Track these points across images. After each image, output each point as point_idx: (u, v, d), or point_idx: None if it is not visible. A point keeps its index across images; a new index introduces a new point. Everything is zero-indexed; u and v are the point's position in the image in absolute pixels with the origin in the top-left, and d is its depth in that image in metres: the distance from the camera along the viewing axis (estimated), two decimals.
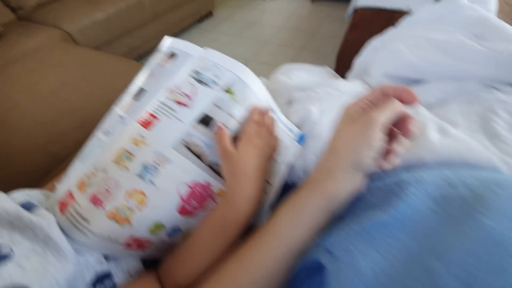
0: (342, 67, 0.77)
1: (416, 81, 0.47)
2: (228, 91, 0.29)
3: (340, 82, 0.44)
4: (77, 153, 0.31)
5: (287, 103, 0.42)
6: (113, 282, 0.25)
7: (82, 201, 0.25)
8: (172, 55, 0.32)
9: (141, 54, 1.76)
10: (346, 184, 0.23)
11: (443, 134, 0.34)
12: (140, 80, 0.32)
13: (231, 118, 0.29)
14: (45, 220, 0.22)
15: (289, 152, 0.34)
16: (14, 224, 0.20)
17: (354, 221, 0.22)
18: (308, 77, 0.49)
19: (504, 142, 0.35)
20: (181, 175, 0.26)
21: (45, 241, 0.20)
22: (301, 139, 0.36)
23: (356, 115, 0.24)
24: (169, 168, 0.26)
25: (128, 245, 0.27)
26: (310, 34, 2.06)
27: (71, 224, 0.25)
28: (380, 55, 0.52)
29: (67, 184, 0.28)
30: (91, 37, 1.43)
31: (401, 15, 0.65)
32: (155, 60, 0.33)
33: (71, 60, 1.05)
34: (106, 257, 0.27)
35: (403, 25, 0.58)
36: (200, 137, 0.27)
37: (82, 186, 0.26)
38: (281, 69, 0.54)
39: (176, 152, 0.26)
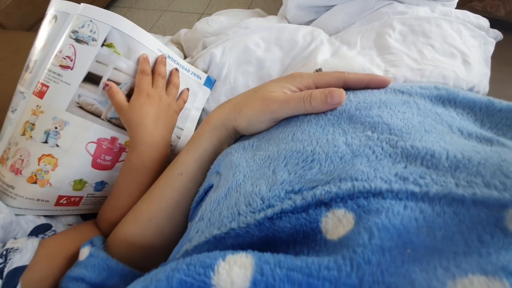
0: None
1: (328, 8, 0.49)
2: (107, 44, 0.30)
3: (252, 20, 0.45)
4: None
5: (202, 49, 0.44)
6: (54, 232, 0.30)
7: (5, 172, 0.30)
8: (54, 18, 0.32)
9: None
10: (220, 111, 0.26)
11: (333, 55, 0.37)
12: (34, 51, 0.33)
13: (117, 71, 0.31)
14: None
15: (197, 97, 0.37)
16: None
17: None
18: (228, 20, 0.50)
19: (392, 54, 0.39)
20: (83, 134, 0.30)
21: None
22: (208, 82, 0.38)
23: (284, 89, 0.23)
24: (69, 130, 0.29)
25: (59, 203, 0.31)
26: None
27: (2, 192, 0.29)
28: None
29: None
30: (18, 18, 1.29)
31: None
32: (42, 26, 0.33)
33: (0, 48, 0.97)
34: (46, 216, 0.31)
35: None
36: (90, 95, 0.30)
37: (2, 160, 0.30)
38: (201, 19, 0.54)
39: (71, 114, 0.29)
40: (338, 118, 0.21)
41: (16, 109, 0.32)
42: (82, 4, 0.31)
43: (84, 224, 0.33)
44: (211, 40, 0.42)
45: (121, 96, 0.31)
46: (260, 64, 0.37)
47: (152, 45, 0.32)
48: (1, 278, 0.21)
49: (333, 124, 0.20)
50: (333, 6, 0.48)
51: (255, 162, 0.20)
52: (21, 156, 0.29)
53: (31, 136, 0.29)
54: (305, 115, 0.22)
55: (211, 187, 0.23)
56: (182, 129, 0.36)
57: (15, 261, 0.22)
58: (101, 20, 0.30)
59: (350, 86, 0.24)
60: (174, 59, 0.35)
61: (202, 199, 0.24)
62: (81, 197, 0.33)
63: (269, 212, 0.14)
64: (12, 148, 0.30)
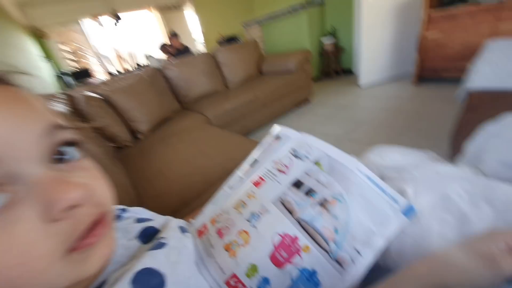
0: (456, 151, 0.71)
1: None
2: (316, 163, 0.38)
3: (441, 166, 0.43)
4: (209, 199, 0.45)
5: None
6: None
7: (212, 232, 0.37)
8: (277, 138, 0.46)
9: (250, 132, 2.26)
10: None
11: None
12: (255, 153, 0.47)
13: (317, 182, 0.36)
14: (190, 239, 0.34)
15: (389, 223, 0.33)
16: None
17: None
18: (403, 159, 0.51)
19: None
20: (275, 224, 0.34)
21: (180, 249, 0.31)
22: (408, 212, 0.34)
23: (492, 249, 0.24)
24: (268, 217, 0.34)
25: (228, 283, 0.32)
26: (411, 115, 1.93)
27: (204, 246, 0.36)
28: (496, 142, 0.48)
29: (203, 219, 0.41)
30: (220, 120, 1.99)
31: None
32: (266, 140, 0.48)
33: (206, 135, 1.48)
34: None
35: None
36: (293, 196, 0.36)
37: (213, 221, 0.39)
38: (373, 149, 0.58)
39: (274, 206, 0.35)
40: None
41: (233, 187, 0.43)
42: (302, 133, 0.44)
43: None
44: (393, 176, 0.43)
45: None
46: (462, 218, 0.32)
47: (351, 165, 0.37)
48: None
49: None
50: None
51: None
52: (228, 224, 0.37)
53: (240, 212, 0.37)
54: None
55: None
56: (360, 254, 0.31)
57: None
58: (317, 147, 0.40)
59: None
60: (371, 177, 0.36)
61: None
62: (245, 286, 0.33)
63: None
64: (223, 215, 0.38)
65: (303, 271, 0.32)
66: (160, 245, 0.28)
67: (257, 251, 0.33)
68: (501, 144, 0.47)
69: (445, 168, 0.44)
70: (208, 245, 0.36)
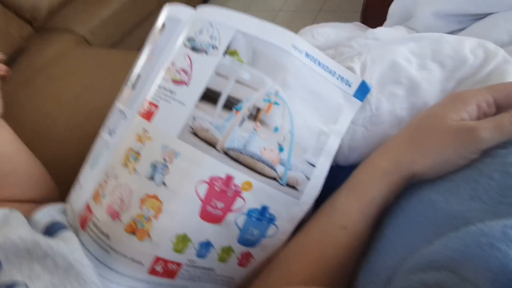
0: (371, 23, 0.66)
1: (478, 17, 0.37)
2: (230, 52, 0.23)
3: (381, 29, 0.36)
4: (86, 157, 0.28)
5: None
6: None
7: (99, 214, 0.23)
8: (163, 26, 0.27)
9: None
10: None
11: None
12: (137, 65, 0.28)
13: (239, 85, 0.23)
14: (68, 244, 0.20)
15: (341, 115, 0.26)
16: (32, 253, 0.19)
17: None
18: (336, 32, 0.42)
19: None
20: (193, 169, 0.22)
21: (66, 269, 0.19)
22: (361, 92, 0.26)
23: (463, 114, 0.20)
24: (179, 163, 0.22)
25: (154, 271, 0.23)
26: None
27: (93, 241, 0.23)
28: None
29: (83, 195, 0.26)
30: (103, 36, 1.44)
31: None
32: (149, 38, 0.28)
33: (88, 62, 1.06)
34: None
35: None
36: (206, 117, 0.22)
37: (97, 196, 0.24)
38: (302, 31, 0.46)
39: (183, 142, 0.22)
40: None
41: (114, 131, 0.26)
42: (198, 6, 0.26)
43: None
44: (330, 54, 0.34)
45: None
46: (413, 87, 0.27)
47: (284, 43, 0.23)
48: None
49: None
50: (487, 14, 0.37)
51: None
52: (121, 194, 0.22)
53: (134, 169, 0.22)
54: None
55: None
56: (314, 166, 0.25)
57: None
58: (223, 22, 0.23)
59: None
60: (314, 57, 0.25)
61: None
62: (179, 265, 0.24)
63: None
64: (110, 182, 0.23)
65: (250, 212, 0.24)
66: None
67: (178, 216, 0.22)
68: None
69: (383, 31, 0.36)
70: (99, 238, 0.23)
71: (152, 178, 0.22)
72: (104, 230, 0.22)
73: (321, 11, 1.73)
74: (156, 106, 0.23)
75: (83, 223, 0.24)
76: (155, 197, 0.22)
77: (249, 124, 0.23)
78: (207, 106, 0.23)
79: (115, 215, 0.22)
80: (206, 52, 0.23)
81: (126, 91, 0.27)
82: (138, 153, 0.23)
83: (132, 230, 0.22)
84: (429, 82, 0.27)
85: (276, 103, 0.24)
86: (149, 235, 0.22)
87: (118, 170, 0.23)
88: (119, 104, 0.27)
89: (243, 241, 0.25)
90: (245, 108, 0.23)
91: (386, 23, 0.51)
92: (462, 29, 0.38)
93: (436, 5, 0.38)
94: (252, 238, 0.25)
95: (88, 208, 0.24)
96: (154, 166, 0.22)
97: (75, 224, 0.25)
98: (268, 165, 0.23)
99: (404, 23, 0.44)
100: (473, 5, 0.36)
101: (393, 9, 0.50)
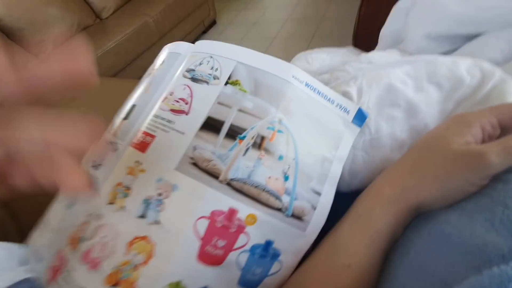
0: (363, 47, 0.68)
1: (470, 36, 0.38)
2: (232, 82, 0.23)
3: (371, 54, 0.36)
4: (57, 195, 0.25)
5: None
6: None
7: (74, 263, 0.20)
8: (162, 62, 0.27)
9: None
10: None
11: None
12: (132, 96, 0.27)
13: (242, 113, 0.22)
14: None
15: (342, 141, 0.25)
16: None
17: None
18: (331, 57, 0.42)
19: None
20: (194, 204, 0.20)
21: None
22: (359, 118, 0.26)
23: (468, 137, 0.19)
24: (177, 198, 0.20)
25: None
26: (319, 20, 1.96)
27: None
28: (414, 15, 0.43)
29: (55, 239, 0.23)
30: (103, 65, 1.49)
31: None
32: (148, 72, 0.28)
33: (89, 92, 1.08)
34: None
35: None
36: (208, 147, 0.21)
37: (73, 241, 0.21)
38: (297, 56, 0.47)
39: (182, 174, 0.20)
40: None
41: (100, 165, 0.23)
42: (200, 42, 0.26)
43: None
44: (325, 78, 0.34)
45: None
46: (411, 109, 0.26)
47: (284, 73, 0.23)
48: None
49: None
50: (478, 34, 0.37)
51: None
52: (104, 237, 0.19)
53: (123, 206, 0.20)
54: None
55: None
56: (320, 194, 0.24)
57: None
58: (224, 55, 0.23)
59: None
60: (313, 86, 0.25)
61: None
62: None
63: None
64: (92, 223, 0.20)
65: (253, 249, 0.21)
66: None
67: (174, 260, 0.19)
68: (419, 15, 0.42)
69: (376, 55, 0.37)
70: None
71: (143, 216, 0.20)
72: (80, 283, 0.19)
73: (315, 37, 1.81)
74: (152, 136, 0.22)
75: (54, 273, 0.21)
76: (146, 239, 0.19)
77: (254, 153, 0.22)
78: (208, 135, 0.21)
79: (94, 264, 0.19)
80: (207, 82, 0.23)
81: (119, 121, 0.26)
82: (128, 188, 0.20)
83: (115, 281, 0.19)
84: (427, 103, 0.26)
85: (280, 131, 0.23)
86: (136, 287, 0.18)
87: (103, 209, 0.20)
88: (108, 135, 0.26)
89: (244, 283, 0.22)
90: (249, 137, 0.22)
91: (378, 46, 0.52)
92: (455, 49, 0.38)
93: (426, 28, 0.39)
94: (254, 279, 0.22)
95: (61, 255, 0.21)
96: (147, 202, 0.20)
97: (43, 274, 0.22)
98: (273, 195, 0.22)
99: (396, 46, 0.45)
100: (462, 26, 0.37)
101: (384, 33, 0.52)
